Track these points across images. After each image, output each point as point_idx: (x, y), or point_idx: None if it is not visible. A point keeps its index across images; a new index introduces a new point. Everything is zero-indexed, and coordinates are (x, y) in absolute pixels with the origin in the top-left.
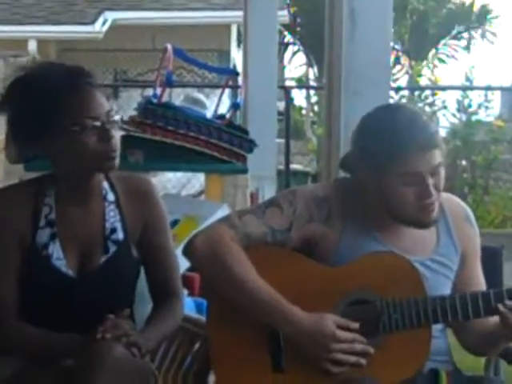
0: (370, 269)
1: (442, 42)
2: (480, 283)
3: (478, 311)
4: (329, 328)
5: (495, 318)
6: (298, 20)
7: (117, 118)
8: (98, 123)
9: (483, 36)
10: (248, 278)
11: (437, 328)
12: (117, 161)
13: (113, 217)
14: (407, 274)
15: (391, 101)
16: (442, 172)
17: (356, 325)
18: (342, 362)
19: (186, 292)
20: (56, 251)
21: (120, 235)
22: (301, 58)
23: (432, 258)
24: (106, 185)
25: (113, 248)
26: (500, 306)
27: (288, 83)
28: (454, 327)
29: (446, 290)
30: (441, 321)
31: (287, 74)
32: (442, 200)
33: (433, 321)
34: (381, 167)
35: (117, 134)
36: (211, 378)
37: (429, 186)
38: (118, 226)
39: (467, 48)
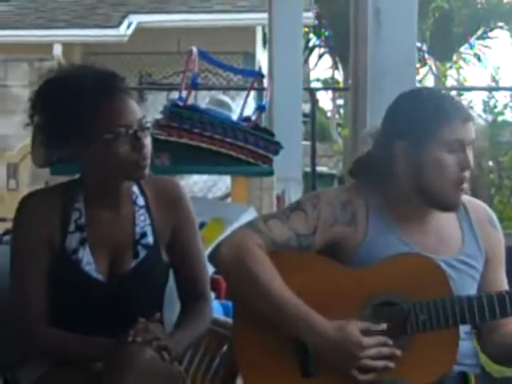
0: (396, 270)
1: (468, 41)
2: (504, 286)
3: (505, 311)
4: (354, 336)
5: None
6: (323, 22)
7: (148, 125)
8: (130, 131)
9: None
10: (273, 285)
11: (463, 330)
12: (147, 170)
13: (143, 221)
14: (433, 274)
15: None
16: (472, 155)
17: (382, 326)
18: (370, 369)
19: (212, 295)
20: (86, 256)
21: (150, 239)
22: (327, 60)
23: (458, 258)
24: (135, 189)
25: (143, 252)
26: None
27: (314, 85)
28: (477, 335)
29: (472, 290)
30: (468, 321)
31: (313, 75)
32: (465, 201)
33: (460, 321)
34: (424, 136)
35: (148, 142)
36: (239, 382)
37: (468, 156)
38: (148, 230)
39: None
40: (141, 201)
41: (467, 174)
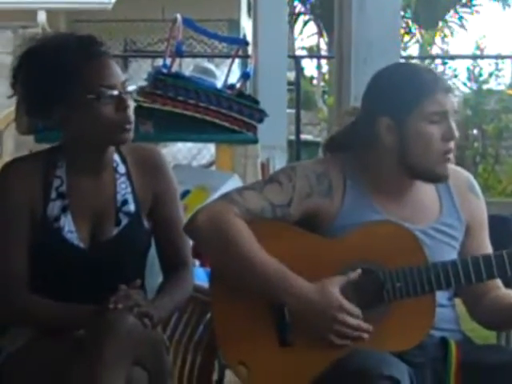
0: (371, 238)
1: (452, 10)
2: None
3: (480, 275)
4: (334, 297)
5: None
6: None
7: (131, 88)
8: (114, 92)
9: None
10: (251, 250)
11: (444, 297)
12: (131, 134)
13: (124, 189)
14: (407, 242)
15: None
16: (455, 125)
17: (357, 272)
18: (344, 335)
19: (197, 262)
20: (67, 224)
21: (131, 207)
22: (312, 27)
23: (434, 227)
24: (116, 157)
25: (124, 220)
26: None
27: (299, 53)
28: (465, 302)
29: (450, 258)
30: (444, 286)
31: (298, 43)
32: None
33: (436, 287)
34: (406, 110)
35: (132, 105)
36: None
37: (452, 126)
38: (130, 197)
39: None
40: (122, 168)
41: (452, 144)
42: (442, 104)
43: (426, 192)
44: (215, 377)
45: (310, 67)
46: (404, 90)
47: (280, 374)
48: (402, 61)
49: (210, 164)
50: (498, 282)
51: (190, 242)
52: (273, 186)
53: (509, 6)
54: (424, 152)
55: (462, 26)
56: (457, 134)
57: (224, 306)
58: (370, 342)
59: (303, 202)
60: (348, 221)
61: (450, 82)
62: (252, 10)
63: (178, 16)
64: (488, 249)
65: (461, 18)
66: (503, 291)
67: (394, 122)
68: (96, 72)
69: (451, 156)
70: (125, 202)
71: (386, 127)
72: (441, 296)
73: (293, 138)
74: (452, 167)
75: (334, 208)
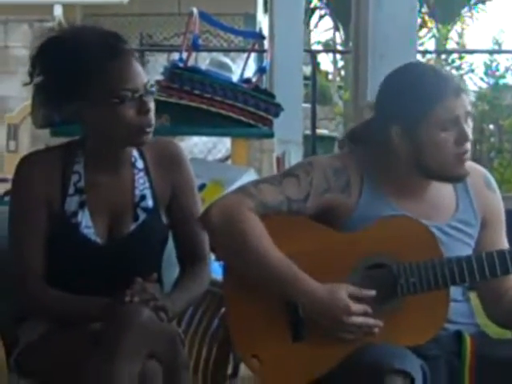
0: (386, 233)
1: (470, 4)
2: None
3: (495, 270)
4: (342, 301)
5: None
6: None
7: (153, 89)
8: (136, 95)
9: None
10: (264, 247)
11: (458, 292)
12: (150, 136)
13: (142, 184)
14: (422, 236)
15: None
16: (471, 123)
17: (371, 292)
18: (354, 333)
19: (213, 256)
20: (85, 219)
21: (149, 202)
22: (327, 22)
23: (449, 224)
24: (135, 152)
25: (142, 216)
26: None
27: (314, 47)
28: (483, 302)
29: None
30: (458, 281)
31: (314, 38)
32: None
33: (450, 282)
34: (416, 119)
35: (153, 107)
36: None
37: (465, 129)
38: (148, 193)
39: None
40: (140, 164)
41: (467, 145)
42: (452, 110)
43: (442, 189)
44: (229, 370)
45: (325, 62)
46: (412, 99)
47: (292, 368)
48: (419, 56)
49: (226, 158)
50: None
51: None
52: (290, 180)
53: None
54: (439, 158)
55: (478, 20)
56: (470, 135)
57: (238, 299)
58: (383, 336)
59: (320, 197)
60: (364, 216)
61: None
62: (268, 4)
63: (195, 10)
64: (504, 245)
65: (477, 11)
66: None
67: (405, 130)
68: (120, 74)
69: (467, 156)
70: (143, 198)
71: (398, 135)
72: (454, 291)
73: (308, 132)
74: (468, 163)
75: (350, 203)
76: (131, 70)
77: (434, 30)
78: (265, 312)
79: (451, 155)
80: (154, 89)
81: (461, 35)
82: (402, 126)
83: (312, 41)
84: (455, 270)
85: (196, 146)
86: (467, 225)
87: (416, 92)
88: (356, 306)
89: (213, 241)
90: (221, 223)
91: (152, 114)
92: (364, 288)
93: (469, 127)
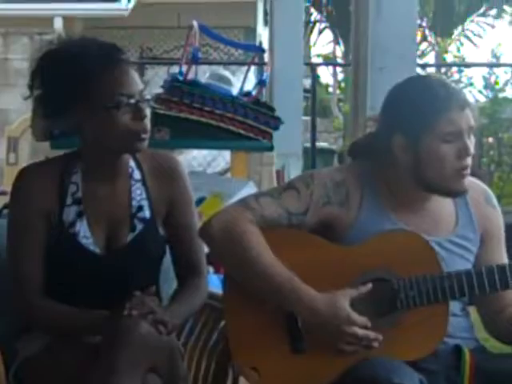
0: (385, 247)
1: (469, 19)
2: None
3: (494, 284)
4: (344, 311)
5: None
6: None
7: (148, 97)
8: (132, 101)
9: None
10: (264, 259)
11: (457, 307)
12: (146, 142)
13: (139, 195)
14: (422, 251)
15: None
16: (473, 138)
17: (367, 286)
18: (354, 345)
19: (211, 269)
20: (83, 229)
21: (146, 213)
22: (328, 35)
23: (449, 239)
24: (132, 163)
25: (139, 226)
26: None
27: (314, 60)
28: (483, 318)
29: None
30: (458, 295)
31: (314, 51)
32: None
33: (450, 296)
34: (420, 130)
35: (149, 114)
36: None
37: (467, 144)
38: (145, 204)
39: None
40: (137, 174)
41: (468, 160)
42: (456, 124)
43: (443, 204)
44: (228, 383)
45: (325, 75)
46: (417, 110)
47: (291, 381)
48: (418, 69)
49: (225, 171)
50: None
51: (205, 249)
52: (290, 193)
53: None
54: (439, 170)
55: (478, 35)
56: (472, 150)
57: (237, 311)
58: (383, 350)
59: (320, 210)
60: (364, 230)
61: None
62: (268, 17)
63: (195, 23)
64: (504, 260)
65: (478, 25)
66: None
67: (407, 141)
68: (115, 79)
69: (467, 171)
70: (140, 209)
71: (400, 146)
72: (454, 306)
73: (308, 145)
74: (469, 179)
75: (350, 217)
76: (127, 77)
77: (434, 44)
78: (264, 324)
79: (451, 169)
80: (149, 96)
81: (460, 49)
82: (404, 136)
83: (312, 54)
84: (455, 285)
85: (195, 159)
86: (467, 240)
87: (421, 102)
88: (358, 317)
89: (213, 253)
90: (221, 235)
91: (148, 121)
92: (364, 303)
93: (471, 142)
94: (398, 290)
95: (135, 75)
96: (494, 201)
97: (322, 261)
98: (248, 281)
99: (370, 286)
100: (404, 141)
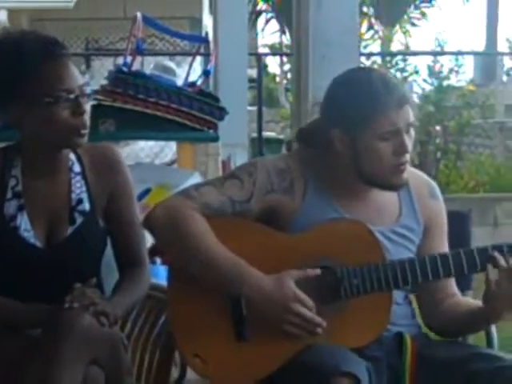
0: (329, 235)
1: (413, 5)
2: None
3: (437, 272)
4: (291, 289)
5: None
6: None
7: (89, 91)
8: (71, 96)
9: None
10: (207, 241)
11: (400, 296)
12: (86, 138)
13: (79, 188)
14: (365, 239)
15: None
16: (413, 133)
17: (316, 271)
18: (299, 327)
19: (158, 260)
20: (24, 223)
21: (86, 206)
22: (274, 25)
23: (393, 229)
24: (72, 156)
25: (79, 219)
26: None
27: (261, 50)
28: (421, 309)
29: None
30: (401, 284)
31: (261, 41)
32: (407, 174)
33: (393, 285)
34: (358, 126)
35: (88, 109)
36: None
37: (405, 141)
38: (84, 196)
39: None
40: (77, 167)
41: (406, 157)
42: (394, 123)
43: (386, 194)
44: (175, 374)
45: (273, 65)
46: (356, 106)
47: (236, 368)
48: (363, 58)
49: (173, 162)
50: (455, 288)
51: (148, 241)
52: (233, 181)
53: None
54: (376, 166)
55: (421, 20)
56: (410, 147)
57: (181, 299)
58: (327, 337)
59: (263, 197)
60: (307, 218)
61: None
62: (212, 8)
63: (138, 14)
64: (445, 250)
65: (423, 14)
66: (459, 298)
67: (345, 135)
68: (55, 74)
69: (405, 167)
70: (79, 201)
71: (338, 139)
72: (396, 295)
73: (255, 135)
74: (412, 170)
75: (294, 205)
76: (67, 72)
77: (380, 32)
78: (208, 312)
79: (389, 165)
80: (89, 91)
81: (405, 36)
82: (342, 130)
83: (259, 44)
84: (398, 273)
85: (142, 151)
86: (410, 230)
87: (360, 99)
88: (304, 296)
89: (158, 241)
90: (165, 223)
91: (87, 116)
92: (308, 290)
93: (410, 138)
94: (342, 278)
95: (75, 70)
96: (438, 192)
97: (266, 249)
98: (193, 267)
99: (318, 271)
100: (342, 135)
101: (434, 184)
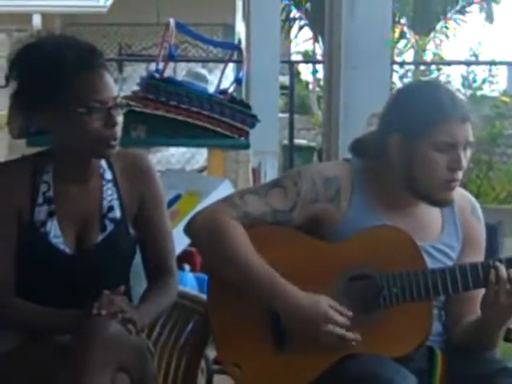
0: (370, 243)
1: (447, 16)
2: None
3: (479, 281)
4: (322, 308)
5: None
6: None
7: (123, 102)
8: (104, 107)
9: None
10: (247, 256)
11: (435, 312)
12: (116, 149)
13: (110, 195)
14: (406, 246)
15: (394, 75)
16: (469, 153)
17: (349, 313)
18: (333, 343)
19: (187, 268)
20: (54, 229)
21: (117, 213)
22: (307, 32)
23: (434, 246)
24: (103, 163)
25: (110, 226)
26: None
27: (294, 58)
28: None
29: None
30: (441, 293)
31: (294, 48)
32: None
33: (433, 293)
34: (418, 131)
35: (120, 121)
36: (208, 354)
37: (461, 157)
38: (116, 204)
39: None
40: (108, 175)
41: (459, 174)
42: (453, 135)
43: (430, 210)
44: (202, 382)
45: (306, 72)
46: (420, 113)
47: (274, 378)
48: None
49: (203, 169)
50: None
51: (179, 248)
52: (277, 190)
53: (492, 20)
54: (427, 176)
55: (455, 31)
56: (465, 165)
57: (222, 307)
58: (366, 346)
59: (307, 207)
60: (351, 227)
61: None
62: (245, 15)
63: (171, 20)
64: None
65: (456, 22)
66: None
67: (404, 141)
68: (90, 84)
69: (456, 184)
70: (110, 209)
71: (395, 144)
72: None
73: (287, 142)
74: (457, 189)
75: (338, 213)
76: (102, 82)
77: (413, 41)
78: (248, 321)
79: (440, 178)
80: (123, 102)
81: (438, 46)
82: (402, 135)
83: (292, 51)
84: (438, 281)
85: (173, 157)
86: (450, 248)
87: (425, 107)
88: (335, 315)
89: (198, 249)
90: (204, 232)
91: (118, 128)
92: (348, 298)
93: (466, 157)
94: (382, 286)
95: (110, 80)
96: (480, 212)
97: (306, 257)
98: (231, 276)
99: (350, 313)
100: (400, 140)
101: (477, 204)
